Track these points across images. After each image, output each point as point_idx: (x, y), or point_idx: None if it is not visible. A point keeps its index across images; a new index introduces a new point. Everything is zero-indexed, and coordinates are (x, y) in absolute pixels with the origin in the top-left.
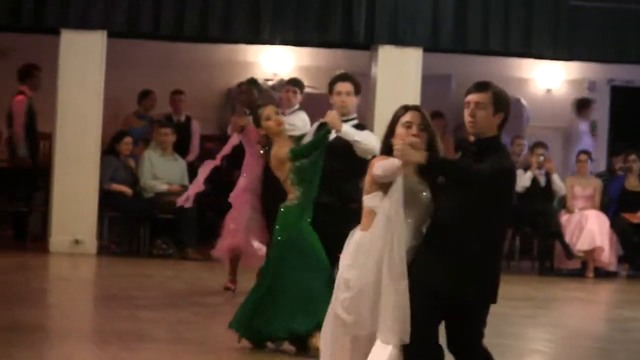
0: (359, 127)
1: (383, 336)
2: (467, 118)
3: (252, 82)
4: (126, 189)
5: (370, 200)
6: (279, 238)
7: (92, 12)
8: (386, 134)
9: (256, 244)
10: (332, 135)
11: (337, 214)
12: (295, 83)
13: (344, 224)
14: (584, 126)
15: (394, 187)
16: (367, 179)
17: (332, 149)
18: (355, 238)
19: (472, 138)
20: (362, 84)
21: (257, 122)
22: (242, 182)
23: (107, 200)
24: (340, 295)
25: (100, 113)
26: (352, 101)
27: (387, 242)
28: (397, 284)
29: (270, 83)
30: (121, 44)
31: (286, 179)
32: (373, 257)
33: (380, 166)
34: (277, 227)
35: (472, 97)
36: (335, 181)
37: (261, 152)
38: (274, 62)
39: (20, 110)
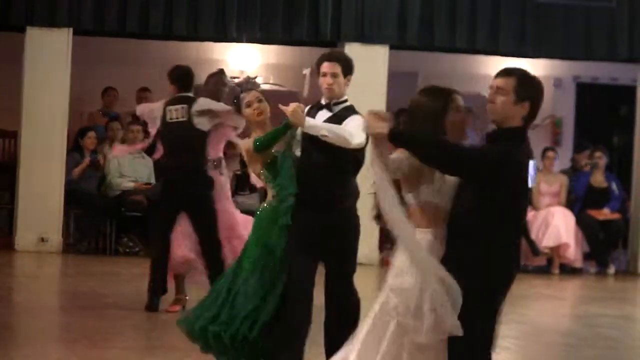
0: (348, 110)
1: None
2: (488, 104)
3: (222, 72)
4: (85, 163)
5: (424, 194)
6: (251, 240)
7: (58, 10)
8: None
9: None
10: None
11: (320, 214)
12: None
13: (328, 224)
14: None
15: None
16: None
17: (312, 140)
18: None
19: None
20: None
21: (239, 109)
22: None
23: (73, 197)
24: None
25: (66, 111)
26: (340, 83)
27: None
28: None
29: (236, 81)
30: (87, 42)
31: (260, 174)
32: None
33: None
34: (252, 228)
35: (495, 82)
36: (318, 176)
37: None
38: (240, 60)
39: None
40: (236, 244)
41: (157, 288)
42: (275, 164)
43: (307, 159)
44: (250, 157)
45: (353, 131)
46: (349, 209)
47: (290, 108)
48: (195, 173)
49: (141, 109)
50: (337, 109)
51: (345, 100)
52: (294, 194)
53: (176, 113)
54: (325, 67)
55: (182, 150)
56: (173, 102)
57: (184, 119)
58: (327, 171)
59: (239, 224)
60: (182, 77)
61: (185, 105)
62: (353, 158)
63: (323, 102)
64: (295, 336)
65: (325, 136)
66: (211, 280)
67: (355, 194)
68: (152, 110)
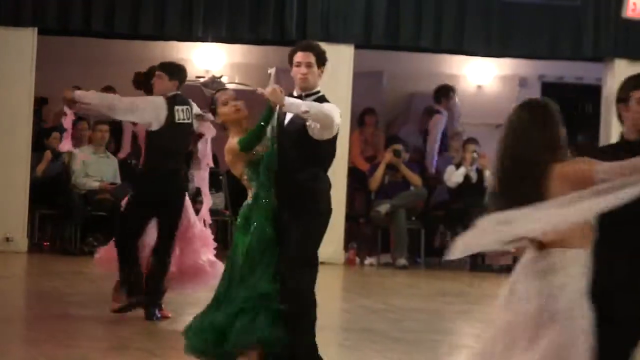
0: (321, 100)
1: None
2: (634, 115)
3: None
4: (47, 158)
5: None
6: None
7: (22, 9)
8: None
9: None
10: (288, 118)
11: (295, 211)
12: (163, 67)
13: (300, 221)
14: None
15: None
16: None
17: (284, 133)
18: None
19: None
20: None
21: (214, 110)
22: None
23: (38, 197)
24: None
25: (31, 110)
26: (314, 73)
27: None
28: None
29: (201, 80)
30: (52, 41)
31: (242, 175)
32: None
33: None
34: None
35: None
36: (290, 171)
37: None
38: (206, 59)
39: None
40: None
41: (150, 294)
42: (259, 163)
43: (281, 154)
44: (233, 157)
45: (333, 111)
46: (321, 204)
47: (269, 89)
48: (184, 176)
49: (143, 103)
50: (308, 100)
51: (318, 92)
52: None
53: (183, 114)
54: (300, 56)
55: (181, 152)
56: (178, 101)
57: (189, 121)
58: (301, 165)
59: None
60: (184, 74)
61: (188, 107)
62: (324, 152)
63: (295, 93)
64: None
65: (307, 112)
66: (124, 281)
67: (328, 188)
68: (156, 106)
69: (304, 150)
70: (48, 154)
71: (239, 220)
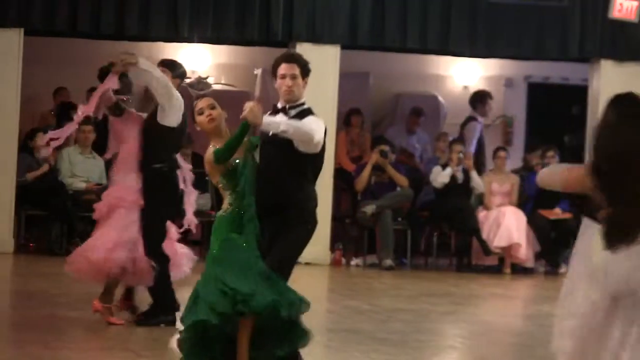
0: (306, 112)
1: None
2: None
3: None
4: (43, 169)
5: None
6: (212, 251)
7: (8, 10)
8: None
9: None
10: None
11: (286, 216)
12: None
13: (283, 232)
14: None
15: None
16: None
17: (269, 144)
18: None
19: None
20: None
21: (192, 117)
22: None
23: (24, 198)
24: None
25: (17, 111)
26: (299, 85)
27: None
28: None
29: (187, 81)
30: (38, 42)
31: (218, 184)
32: None
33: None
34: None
35: None
36: (275, 182)
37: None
38: (192, 59)
39: None
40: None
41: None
42: (236, 172)
43: (266, 164)
44: (211, 167)
45: (313, 126)
46: (306, 213)
47: (247, 106)
48: None
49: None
50: (293, 112)
51: (303, 104)
52: (253, 204)
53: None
54: (284, 68)
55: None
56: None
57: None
58: (286, 177)
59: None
60: (185, 73)
61: None
62: (311, 163)
63: (279, 105)
64: None
65: (285, 132)
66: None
67: (314, 199)
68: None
69: (288, 162)
70: (46, 167)
71: (214, 227)
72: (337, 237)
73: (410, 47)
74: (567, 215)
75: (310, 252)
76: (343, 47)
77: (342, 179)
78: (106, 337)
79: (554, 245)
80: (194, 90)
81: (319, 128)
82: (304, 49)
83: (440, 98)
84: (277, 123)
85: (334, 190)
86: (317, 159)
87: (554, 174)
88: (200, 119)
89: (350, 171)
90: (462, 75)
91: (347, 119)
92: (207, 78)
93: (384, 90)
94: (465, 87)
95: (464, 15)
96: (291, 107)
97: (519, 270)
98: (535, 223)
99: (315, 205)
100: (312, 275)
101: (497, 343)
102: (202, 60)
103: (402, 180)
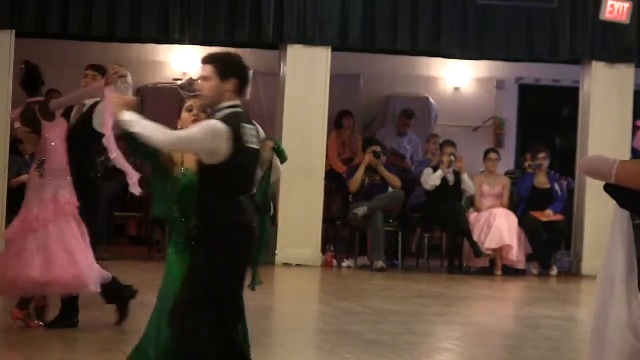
0: (228, 117)
1: None
2: None
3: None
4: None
5: None
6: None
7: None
8: None
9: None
10: None
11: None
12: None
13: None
14: None
15: None
16: None
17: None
18: None
19: None
20: (271, 84)
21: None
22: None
23: (15, 200)
24: None
25: (8, 113)
26: (212, 87)
27: None
28: None
29: (179, 82)
30: (29, 43)
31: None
32: None
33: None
34: None
35: None
36: (199, 203)
37: None
38: (183, 61)
39: None
40: None
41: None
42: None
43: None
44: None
45: (180, 133)
46: (210, 231)
47: (112, 99)
48: None
49: None
50: (218, 116)
51: (230, 106)
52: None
53: None
54: (199, 70)
55: None
56: None
57: None
58: (204, 194)
59: None
60: None
61: None
62: (224, 177)
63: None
64: None
65: (135, 133)
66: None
67: (228, 214)
68: None
69: (204, 178)
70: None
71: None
72: (329, 239)
73: (401, 48)
74: (559, 217)
75: (301, 253)
76: (334, 49)
77: (333, 180)
78: (97, 339)
79: (545, 247)
80: (185, 92)
81: (164, 137)
82: (295, 51)
83: (431, 100)
84: (135, 121)
85: (325, 192)
86: (232, 172)
87: (604, 162)
88: (185, 115)
89: (342, 173)
90: (453, 77)
91: (338, 121)
92: (198, 80)
93: (375, 92)
94: (457, 89)
95: (454, 17)
96: (215, 111)
97: (511, 272)
98: (526, 224)
99: (233, 222)
100: (304, 276)
101: (489, 345)
102: (193, 62)
103: (395, 180)
